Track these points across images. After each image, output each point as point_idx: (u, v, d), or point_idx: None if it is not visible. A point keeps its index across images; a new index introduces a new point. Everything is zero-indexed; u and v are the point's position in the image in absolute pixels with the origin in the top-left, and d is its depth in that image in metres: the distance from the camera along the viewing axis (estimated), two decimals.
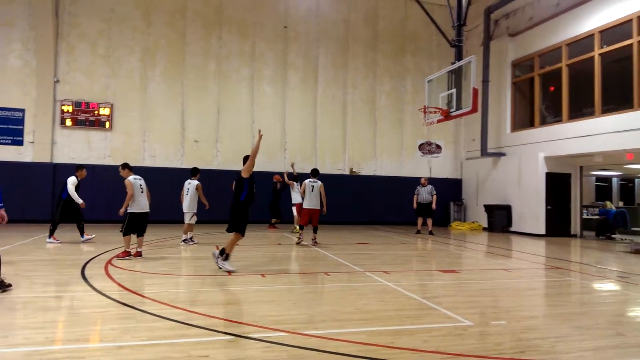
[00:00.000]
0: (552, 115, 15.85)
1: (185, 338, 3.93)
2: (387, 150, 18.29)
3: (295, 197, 13.05)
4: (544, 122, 15.91)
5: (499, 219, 16.28)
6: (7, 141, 14.30)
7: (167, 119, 15.76)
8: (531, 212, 15.39)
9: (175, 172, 15.21)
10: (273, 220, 14.58)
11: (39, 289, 5.67)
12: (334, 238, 12.52)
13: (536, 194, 15.24)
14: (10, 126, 14.33)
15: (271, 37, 17.05)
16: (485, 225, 17.05)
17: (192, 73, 16.11)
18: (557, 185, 15.25)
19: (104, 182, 14.48)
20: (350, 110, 17.96)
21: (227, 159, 16.15)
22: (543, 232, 14.93)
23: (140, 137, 15.51)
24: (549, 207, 15.08)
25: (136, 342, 3.79)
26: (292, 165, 13.88)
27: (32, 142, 14.50)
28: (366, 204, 17.54)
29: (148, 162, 15.41)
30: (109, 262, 7.59)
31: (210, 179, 15.66)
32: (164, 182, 14.77)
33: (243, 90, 16.70)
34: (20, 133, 14.42)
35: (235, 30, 16.62)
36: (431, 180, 16.00)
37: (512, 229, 16.07)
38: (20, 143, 14.42)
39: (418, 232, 14.54)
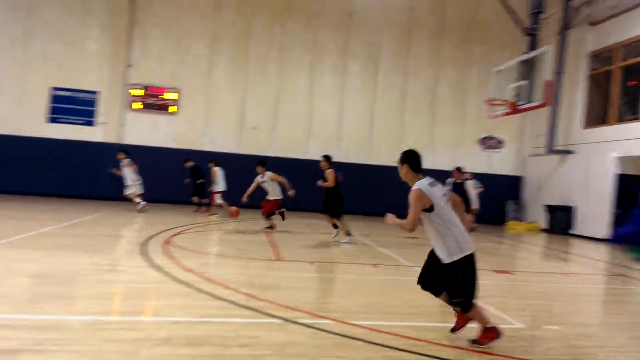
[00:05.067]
0: (630, 112, 14.67)
1: (235, 318, 4.11)
2: (444, 143, 17.81)
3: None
4: (620, 119, 14.77)
5: (560, 221, 15.40)
6: (80, 121, 15.38)
7: (228, 105, 16.26)
8: (596, 215, 14.43)
9: (233, 157, 15.70)
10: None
11: (102, 262, 6.12)
12: (381, 230, 12.45)
13: (604, 196, 14.25)
14: (84, 107, 15.38)
15: (334, 25, 17.01)
16: (544, 226, 16.20)
17: (255, 61, 16.45)
18: (629, 188, 14.16)
19: (166, 165, 15.23)
20: (409, 100, 17.62)
21: (283, 147, 16.44)
22: (608, 236, 13.98)
23: (202, 122, 16.13)
24: (617, 210, 14.07)
25: (189, 318, 4.02)
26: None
27: (104, 123, 15.50)
28: None
29: (208, 147, 16.00)
30: (168, 240, 8.02)
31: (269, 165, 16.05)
32: (223, 167, 15.28)
33: (302, 79, 16.85)
34: (92, 114, 15.45)
35: (300, 18, 16.75)
36: (490, 177, 15.43)
37: (574, 231, 15.17)
38: (92, 124, 15.46)
39: None
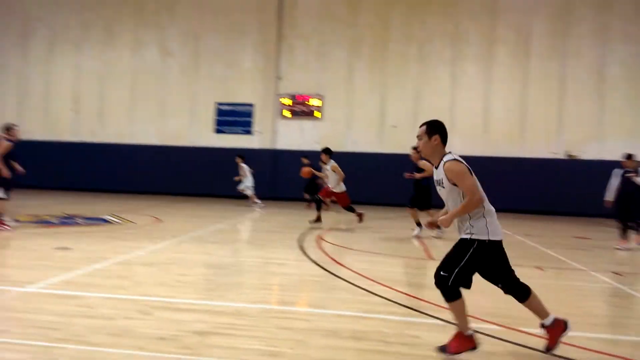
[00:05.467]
0: None
1: (395, 315, 4.09)
2: (617, 131, 15.35)
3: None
4: None
5: None
6: (240, 131, 17.17)
7: (368, 106, 16.50)
8: None
9: (374, 156, 15.88)
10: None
11: (268, 255, 6.68)
12: (543, 230, 11.23)
13: None
14: (243, 118, 17.14)
15: (477, 12, 16.04)
16: None
17: (394, 60, 16.41)
18: None
19: (313, 167, 16.02)
20: (569, 85, 15.63)
21: None
22: None
23: (344, 125, 16.65)
24: None
25: (353, 312, 4.12)
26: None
27: (259, 132, 17.05)
28: (587, 192, 15.13)
29: (350, 148, 16.42)
30: (321, 236, 8.41)
31: (409, 163, 15.84)
32: (365, 166, 15.58)
33: (443, 73, 16.23)
34: (250, 124, 17.12)
35: (439, 10, 16.21)
36: None
37: None
38: (250, 132, 17.14)
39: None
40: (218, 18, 17.12)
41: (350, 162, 16.14)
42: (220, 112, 17.22)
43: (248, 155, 16.69)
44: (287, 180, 16.47)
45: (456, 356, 3.21)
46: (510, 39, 15.92)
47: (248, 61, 17.13)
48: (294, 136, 16.84)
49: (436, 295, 4.74)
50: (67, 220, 9.34)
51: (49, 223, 8.89)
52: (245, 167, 14.01)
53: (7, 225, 7.86)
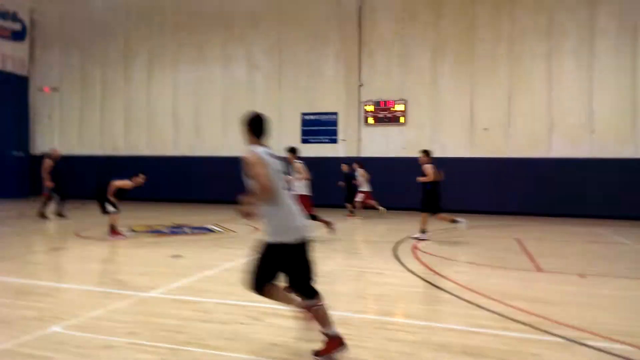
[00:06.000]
0: None
1: (508, 331, 3.88)
2: None
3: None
4: None
5: None
6: (325, 140, 17.43)
7: (456, 109, 15.92)
8: None
9: (465, 161, 15.30)
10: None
11: (366, 265, 6.68)
12: None
13: None
14: (327, 127, 17.40)
15: (573, 3, 14.86)
16: None
17: (481, 60, 15.70)
18: None
19: (398, 173, 15.86)
20: None
21: (520, 145, 15.10)
22: None
23: (431, 129, 16.21)
24: None
25: (462, 326, 3.98)
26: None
27: (344, 140, 17.19)
28: None
29: (438, 153, 15.83)
30: (416, 245, 8.24)
31: (504, 167, 15.14)
32: (456, 172, 15.08)
33: (538, 70, 15.19)
34: (334, 133, 17.33)
35: (529, 3, 15.26)
36: None
37: None
38: (335, 141, 17.33)
39: None
40: (300, 29, 17.62)
41: (439, 167, 15.76)
42: (306, 122, 17.65)
43: (334, 163, 16.91)
44: (374, 188, 16.41)
45: None
46: (612, 29, 14.51)
47: (330, 70, 17.37)
48: (379, 143, 16.73)
49: (550, 310, 4.44)
50: (177, 230, 10.13)
51: (161, 232, 9.70)
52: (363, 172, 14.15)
53: (123, 235, 8.73)
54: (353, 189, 14.20)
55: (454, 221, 9.16)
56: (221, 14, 18.62)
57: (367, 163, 15.03)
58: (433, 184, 9.02)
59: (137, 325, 3.87)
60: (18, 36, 20.62)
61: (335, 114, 17.27)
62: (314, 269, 3.42)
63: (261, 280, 3.36)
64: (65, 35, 21.01)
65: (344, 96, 17.09)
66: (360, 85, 16.93)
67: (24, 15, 20.79)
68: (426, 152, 9.26)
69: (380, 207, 13.88)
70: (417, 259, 6.99)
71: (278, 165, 3.43)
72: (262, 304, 4.47)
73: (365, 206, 14.07)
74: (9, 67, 20.32)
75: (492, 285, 5.48)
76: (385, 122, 16.58)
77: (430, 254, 7.39)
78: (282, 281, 3.43)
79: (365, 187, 14.04)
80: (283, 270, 3.34)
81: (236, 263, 6.58)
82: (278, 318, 4.11)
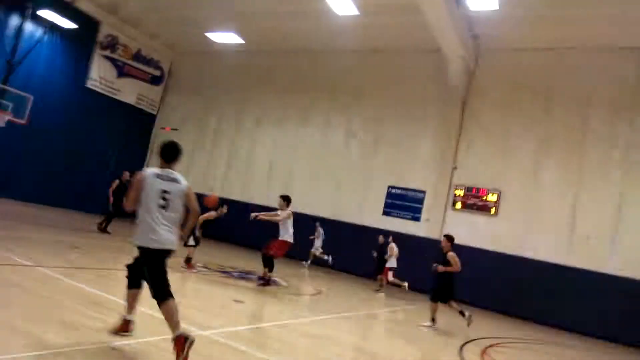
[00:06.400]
0: None
1: None
2: None
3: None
4: None
5: None
6: (408, 216, 17.07)
7: (555, 211, 14.77)
8: None
9: (559, 269, 13.96)
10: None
11: (419, 355, 6.17)
12: None
13: None
14: (412, 204, 17.09)
15: None
16: None
17: (590, 163, 14.62)
18: None
19: (482, 267, 14.91)
20: None
21: (628, 261, 13.41)
22: None
23: (523, 227, 15.14)
24: None
25: None
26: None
27: (427, 220, 16.70)
28: None
29: (528, 254, 14.75)
30: (485, 350, 7.48)
31: (605, 283, 13.48)
32: (545, 278, 13.96)
33: None
34: (419, 211, 16.94)
35: None
36: None
37: None
38: (418, 219, 16.91)
39: None
40: (400, 106, 18.01)
41: (528, 270, 14.58)
42: (391, 195, 17.53)
43: (413, 242, 16.37)
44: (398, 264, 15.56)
45: None
46: None
47: (425, 148, 17.33)
48: (464, 229, 15.91)
49: None
50: (245, 275, 10.35)
51: (229, 274, 9.97)
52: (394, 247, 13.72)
53: (195, 269, 9.11)
54: (383, 263, 13.60)
55: (461, 313, 8.45)
56: (328, 83, 19.88)
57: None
58: (452, 274, 8.37)
59: None
60: (156, 81, 23.79)
61: (423, 192, 16.99)
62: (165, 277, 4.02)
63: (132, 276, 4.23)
64: (192, 86, 23.82)
65: (434, 176, 16.83)
66: (454, 168, 16.60)
67: (165, 64, 24.05)
68: (449, 238, 8.70)
69: (404, 283, 13.32)
70: None
71: (164, 186, 4.02)
72: None
73: (389, 282, 13.46)
74: (142, 106, 23.34)
75: None
76: (474, 209, 15.90)
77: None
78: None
79: (392, 264, 13.37)
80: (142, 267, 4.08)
81: (290, 322, 6.48)
82: None
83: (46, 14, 17.69)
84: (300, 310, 7.74)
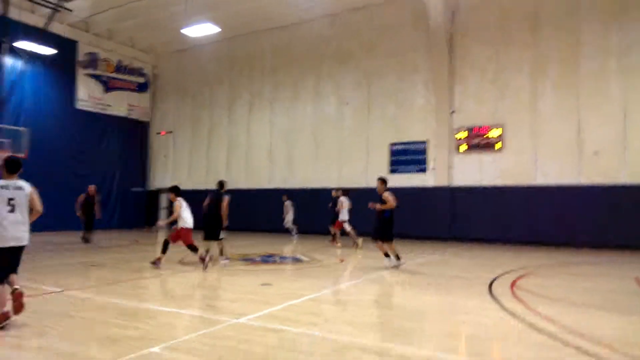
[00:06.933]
0: None
1: None
2: None
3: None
4: None
5: None
6: (414, 169, 17.08)
7: (559, 133, 14.71)
8: None
9: (572, 190, 14.01)
10: None
11: (455, 302, 6.30)
12: None
13: None
14: (416, 156, 17.07)
15: None
16: None
17: (588, 78, 14.43)
18: None
19: (493, 204, 15.01)
20: None
21: (639, 171, 13.41)
22: None
23: (530, 155, 15.13)
24: None
25: None
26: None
27: (433, 169, 16.71)
28: None
29: (540, 181, 14.79)
30: (514, 283, 7.61)
31: (619, 195, 13.54)
32: (560, 201, 14.00)
33: None
34: (424, 162, 16.94)
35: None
36: None
37: None
38: (423, 170, 16.92)
39: None
40: (388, 61, 17.78)
41: (541, 196, 14.65)
42: (394, 152, 17.53)
43: (423, 194, 16.43)
44: (466, 219, 15.67)
45: None
46: None
47: (420, 98, 17.17)
48: (472, 171, 15.98)
49: None
50: (268, 259, 10.55)
51: (253, 261, 10.17)
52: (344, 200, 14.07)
53: (225, 260, 9.40)
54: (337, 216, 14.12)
55: (397, 257, 8.98)
56: (312, 54, 19.59)
57: (459, 192, 14.55)
58: (391, 212, 8.94)
59: (227, 351, 4.03)
60: (142, 88, 23.65)
61: (424, 142, 16.94)
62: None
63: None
64: (179, 86, 23.64)
65: (433, 124, 16.76)
66: (452, 112, 16.49)
67: (147, 70, 23.84)
68: (383, 180, 9.27)
69: (359, 240, 13.43)
70: (517, 297, 6.43)
71: (9, 192, 4.85)
72: (345, 337, 4.43)
73: (342, 233, 14.11)
74: (135, 115, 23.28)
75: (605, 331, 4.82)
76: (480, 149, 15.87)
77: (533, 293, 6.75)
78: None
79: (344, 216, 13.81)
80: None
81: (320, 294, 6.63)
82: (360, 352, 4.02)
83: (23, 44, 17.53)
84: (327, 280, 7.90)
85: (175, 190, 9.41)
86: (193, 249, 9.05)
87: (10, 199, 4.85)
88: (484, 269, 9.24)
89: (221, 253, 9.58)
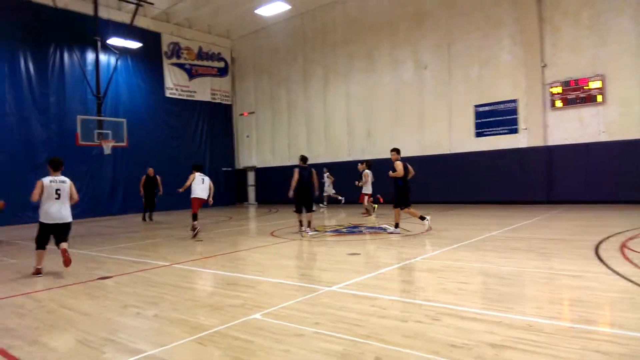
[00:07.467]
0: None
1: None
2: None
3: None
4: None
5: None
6: (504, 131, 16.05)
7: None
8: None
9: None
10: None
11: (557, 266, 5.92)
12: None
13: None
14: (505, 117, 16.00)
15: None
16: None
17: None
18: None
19: (598, 162, 13.68)
20: None
21: None
22: None
23: (639, 106, 13.48)
24: None
25: None
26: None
27: (525, 129, 15.56)
28: None
29: None
30: (624, 244, 6.95)
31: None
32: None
33: None
34: (514, 122, 15.84)
35: None
36: None
37: None
38: (515, 131, 15.83)
39: None
40: (469, 18, 16.68)
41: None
42: (479, 115, 16.58)
43: (515, 156, 15.46)
44: (566, 179, 14.51)
45: None
46: None
47: (505, 55, 15.96)
48: (571, 128, 14.64)
49: None
50: (354, 230, 10.68)
51: (339, 232, 10.36)
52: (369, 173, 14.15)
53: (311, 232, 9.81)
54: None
55: (422, 218, 9.34)
56: (385, 20, 18.95)
57: (557, 152, 13.46)
58: (404, 180, 9.27)
59: (322, 317, 4.18)
60: (223, 72, 24.68)
61: (514, 101, 15.80)
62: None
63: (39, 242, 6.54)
64: (256, 66, 24.30)
65: (523, 81, 15.55)
66: (544, 66, 15.15)
67: (226, 54, 24.77)
68: (396, 150, 9.55)
69: (375, 205, 14.23)
70: (628, 259, 5.88)
71: (56, 184, 6.47)
72: (438, 304, 4.38)
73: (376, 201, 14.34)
74: (218, 99, 24.46)
75: None
76: (578, 103, 14.46)
77: None
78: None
79: (367, 189, 13.93)
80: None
81: (410, 262, 6.58)
82: (456, 319, 3.95)
83: (113, 41, 19.06)
84: (413, 248, 7.81)
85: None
86: (194, 218, 10.33)
87: (57, 190, 6.48)
88: (589, 232, 8.54)
89: (309, 225, 9.89)
